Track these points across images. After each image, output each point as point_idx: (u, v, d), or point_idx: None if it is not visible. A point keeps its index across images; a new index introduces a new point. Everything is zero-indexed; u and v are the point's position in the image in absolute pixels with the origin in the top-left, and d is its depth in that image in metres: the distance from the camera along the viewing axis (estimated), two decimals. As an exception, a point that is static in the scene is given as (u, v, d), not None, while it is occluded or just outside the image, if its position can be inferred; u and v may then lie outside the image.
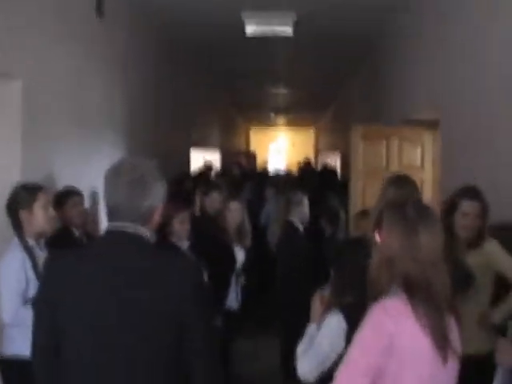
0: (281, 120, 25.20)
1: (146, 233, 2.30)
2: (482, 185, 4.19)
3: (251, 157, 23.69)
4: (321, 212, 7.56)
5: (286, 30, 8.38)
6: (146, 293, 2.13)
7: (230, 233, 5.69)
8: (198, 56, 11.67)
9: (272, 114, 22.18)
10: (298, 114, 22.10)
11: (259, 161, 25.24)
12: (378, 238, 2.34)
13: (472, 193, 4.01)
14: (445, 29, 6.14)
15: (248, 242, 5.95)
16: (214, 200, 6.10)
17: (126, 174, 2.26)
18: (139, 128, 8.18)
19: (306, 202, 6.64)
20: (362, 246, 3.21)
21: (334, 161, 18.50)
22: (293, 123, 26.99)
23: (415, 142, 7.46)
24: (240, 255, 5.72)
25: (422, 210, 2.33)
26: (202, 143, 14.05)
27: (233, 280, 5.61)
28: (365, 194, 7.44)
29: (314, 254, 6.40)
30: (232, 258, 5.59)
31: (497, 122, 4.84)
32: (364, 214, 5.88)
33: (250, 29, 8.38)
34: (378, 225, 2.35)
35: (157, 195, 2.30)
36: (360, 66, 12.07)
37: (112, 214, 2.29)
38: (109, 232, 2.29)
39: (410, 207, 2.30)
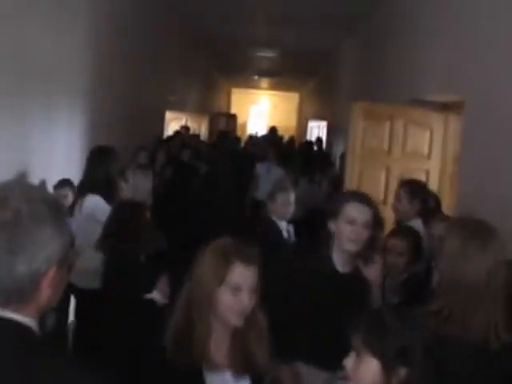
0: (264, 83, 24.00)
1: (28, 321, 1.36)
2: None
3: (231, 119, 22.62)
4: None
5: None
6: None
7: None
8: (179, 12, 10.46)
9: (256, 77, 20.96)
10: (283, 77, 20.92)
11: (239, 123, 24.27)
12: None
13: None
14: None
15: None
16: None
17: None
18: (104, 87, 7.02)
19: (292, 197, 5.29)
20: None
21: (320, 130, 17.56)
22: (277, 87, 25.80)
23: (423, 126, 6.44)
24: None
25: None
26: (180, 106, 12.87)
27: None
28: (361, 180, 6.46)
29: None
30: None
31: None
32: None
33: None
34: None
35: (44, 252, 1.35)
36: (359, 29, 10.91)
37: None
38: None
39: None
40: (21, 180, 1.46)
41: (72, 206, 4.82)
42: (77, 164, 6.25)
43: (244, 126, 27.62)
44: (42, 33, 5.04)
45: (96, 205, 4.50)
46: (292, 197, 5.25)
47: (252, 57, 15.84)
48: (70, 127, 6.00)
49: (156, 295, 3.54)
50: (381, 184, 6.48)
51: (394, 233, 4.21)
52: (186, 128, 12.23)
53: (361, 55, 11.11)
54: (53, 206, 1.39)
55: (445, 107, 6.44)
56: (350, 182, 6.41)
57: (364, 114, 6.37)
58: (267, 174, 9.16)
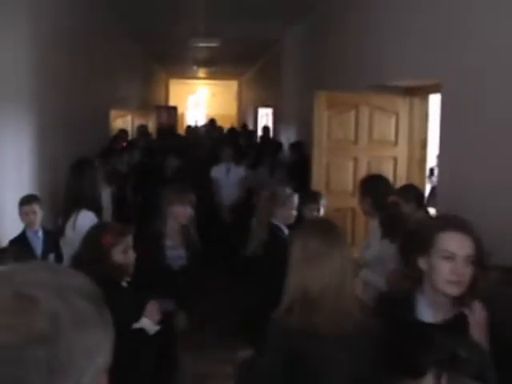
0: (202, 72, 23.50)
1: None
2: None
3: (172, 112, 22.14)
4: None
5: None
6: None
7: None
8: (116, 10, 9.95)
9: (194, 67, 20.49)
10: (221, 66, 20.47)
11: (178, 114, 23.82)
12: None
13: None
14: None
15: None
16: None
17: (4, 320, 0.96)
18: (50, 94, 6.58)
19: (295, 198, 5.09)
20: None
21: (266, 117, 17.36)
22: (214, 76, 25.34)
23: (389, 112, 6.27)
24: None
25: None
26: (124, 103, 12.38)
27: None
28: (329, 171, 6.25)
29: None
30: None
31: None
32: None
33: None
34: None
35: (95, 362, 1.00)
36: (305, 15, 10.63)
37: None
38: None
39: None
40: (36, 263, 1.06)
41: (63, 223, 4.59)
42: (27, 173, 5.86)
43: (182, 116, 27.14)
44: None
45: (90, 221, 4.23)
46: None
47: (190, 47, 15.40)
48: (17, 138, 5.58)
49: (145, 323, 3.17)
50: (349, 175, 6.29)
51: None
52: (123, 131, 11.56)
53: (309, 41, 10.85)
54: (94, 298, 1.04)
55: (408, 92, 6.28)
56: (318, 175, 6.19)
57: (328, 103, 6.15)
58: (226, 175, 8.61)
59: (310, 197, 5.46)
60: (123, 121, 11.92)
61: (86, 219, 4.36)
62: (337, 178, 6.25)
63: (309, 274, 2.53)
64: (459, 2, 4.54)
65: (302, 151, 9.91)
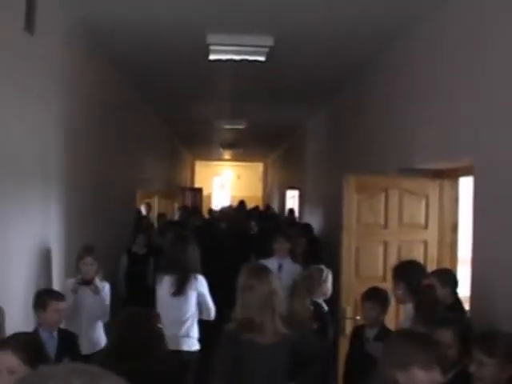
0: (227, 154, 23.73)
1: None
2: None
3: (197, 194, 22.27)
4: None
5: (259, 56, 6.97)
6: None
7: None
8: (143, 85, 10.14)
9: (221, 149, 20.70)
10: (246, 148, 20.64)
11: (203, 196, 23.95)
12: None
13: None
14: (479, 50, 4.72)
15: None
16: None
17: None
18: (78, 173, 6.59)
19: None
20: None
21: (292, 199, 17.37)
22: (240, 158, 25.56)
23: (419, 195, 6.16)
24: None
25: None
26: (150, 184, 12.47)
27: None
28: (358, 257, 6.10)
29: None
30: None
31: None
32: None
33: (216, 55, 6.96)
34: None
35: None
36: (331, 99, 10.75)
37: None
38: None
39: None
40: (70, 366, 0.95)
41: (181, 285, 5.68)
42: (56, 253, 5.79)
43: (208, 198, 27.28)
44: (11, 122, 4.64)
45: (206, 284, 5.77)
46: None
47: (216, 129, 15.64)
48: (44, 216, 5.54)
49: None
50: (379, 259, 6.14)
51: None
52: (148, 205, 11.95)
53: (333, 124, 10.93)
54: None
55: (437, 174, 6.19)
56: (348, 260, 6.04)
57: (357, 187, 6.06)
58: (278, 273, 6.51)
59: (369, 293, 5.02)
60: (149, 202, 11.98)
61: (203, 282, 5.76)
62: (366, 263, 6.10)
63: (249, 297, 3.87)
64: (490, 79, 4.47)
65: (311, 233, 10.11)
